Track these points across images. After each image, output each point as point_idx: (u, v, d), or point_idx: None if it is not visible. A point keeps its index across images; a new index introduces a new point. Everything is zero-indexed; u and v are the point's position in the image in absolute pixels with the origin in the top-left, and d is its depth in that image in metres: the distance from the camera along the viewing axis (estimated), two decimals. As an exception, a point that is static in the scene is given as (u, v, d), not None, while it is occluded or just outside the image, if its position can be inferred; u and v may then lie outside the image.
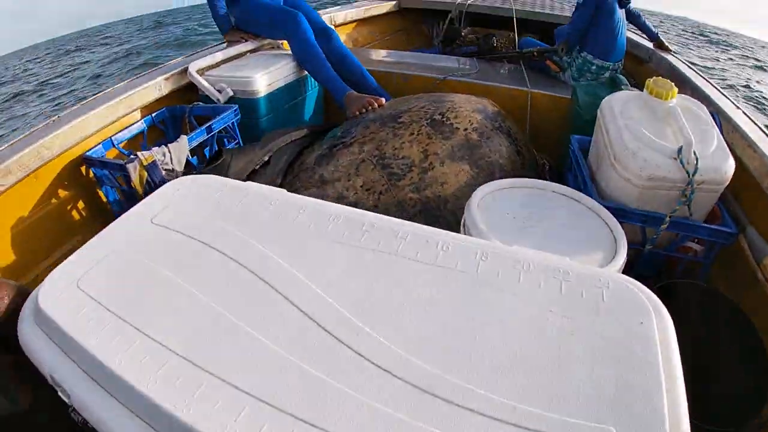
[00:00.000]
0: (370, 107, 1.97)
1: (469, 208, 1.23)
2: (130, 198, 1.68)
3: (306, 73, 2.29)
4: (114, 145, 1.86)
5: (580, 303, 0.72)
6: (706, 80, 2.17)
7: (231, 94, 2.03)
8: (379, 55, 2.91)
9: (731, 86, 8.88)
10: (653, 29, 2.72)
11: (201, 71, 2.18)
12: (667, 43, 2.64)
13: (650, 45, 2.71)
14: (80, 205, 1.86)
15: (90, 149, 1.78)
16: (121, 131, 1.91)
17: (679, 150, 1.25)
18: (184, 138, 1.65)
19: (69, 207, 1.84)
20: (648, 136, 1.30)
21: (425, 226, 0.91)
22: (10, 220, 1.64)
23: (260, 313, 0.77)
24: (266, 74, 2.08)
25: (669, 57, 2.53)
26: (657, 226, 1.30)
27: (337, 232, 0.91)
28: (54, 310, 0.83)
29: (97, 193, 1.86)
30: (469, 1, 3.85)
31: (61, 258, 1.66)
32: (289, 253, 0.88)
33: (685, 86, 2.14)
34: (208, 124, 1.76)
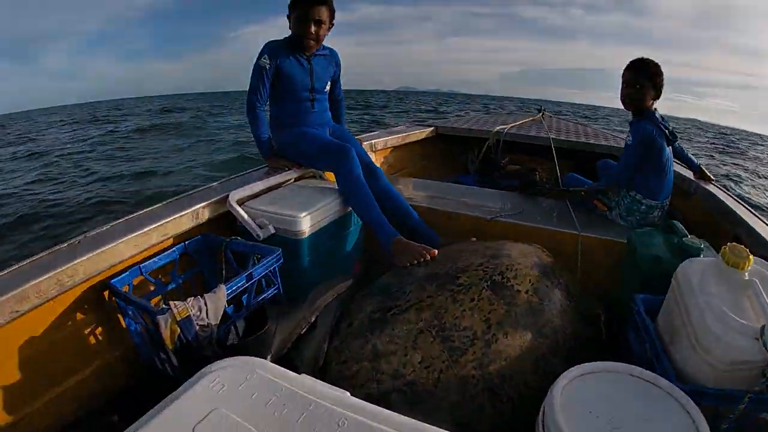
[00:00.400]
0: (422, 259, 1.86)
1: (550, 409, 1.10)
2: (154, 337, 1.54)
3: (350, 208, 2.20)
4: (142, 273, 1.75)
5: None
6: (757, 216, 2.16)
7: (272, 231, 1.93)
8: (419, 186, 2.85)
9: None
10: (695, 160, 2.73)
11: (241, 201, 2.09)
12: (708, 173, 2.65)
13: (692, 176, 2.70)
14: (98, 331, 1.73)
15: (115, 276, 1.67)
16: (151, 258, 1.80)
17: (762, 330, 1.15)
18: (222, 289, 1.52)
19: (87, 333, 1.71)
20: (730, 317, 1.19)
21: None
22: (23, 346, 1.52)
23: None
24: (312, 213, 1.98)
25: (712, 188, 2.53)
26: (735, 405, 1.17)
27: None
28: None
29: (118, 318, 1.73)
30: (506, 130, 3.87)
31: (74, 387, 1.60)
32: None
33: (740, 226, 2.12)
34: (248, 272, 1.63)
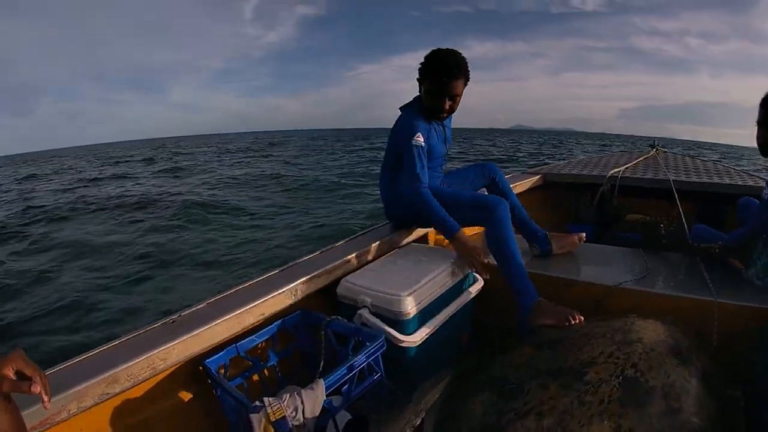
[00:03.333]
0: (567, 324, 1.86)
1: None
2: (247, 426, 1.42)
3: (458, 280, 2.07)
4: (238, 352, 1.69)
5: None
6: None
7: (378, 325, 1.80)
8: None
9: None
10: None
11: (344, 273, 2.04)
12: None
13: None
14: (191, 408, 1.68)
15: (210, 355, 1.63)
16: (247, 336, 1.75)
17: None
18: (320, 384, 1.40)
19: (179, 410, 1.66)
20: None
21: None
22: (113, 426, 1.49)
23: None
24: (417, 291, 1.85)
25: None
26: None
27: None
28: None
29: (212, 394, 1.63)
30: (620, 173, 3.60)
31: None
32: None
33: None
34: (349, 363, 1.50)
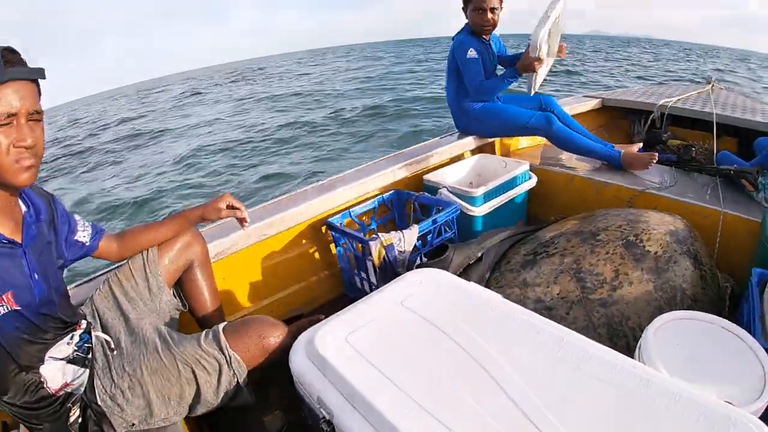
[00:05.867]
0: (652, 161, 2.66)
1: (646, 336, 1.42)
2: (359, 261, 2.16)
3: (518, 174, 2.62)
4: (351, 216, 2.35)
5: (709, 436, 0.92)
6: None
7: (454, 199, 2.38)
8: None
9: None
10: None
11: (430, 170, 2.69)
12: None
13: None
14: (316, 255, 2.40)
15: (332, 216, 2.30)
16: (357, 205, 2.41)
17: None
18: (415, 227, 2.06)
19: (308, 255, 2.38)
20: None
21: (608, 351, 1.17)
22: (265, 259, 2.23)
23: (477, 391, 1.09)
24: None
25: None
26: None
27: (541, 342, 1.21)
28: (328, 352, 1.24)
29: (330, 248, 2.38)
30: (671, 103, 3.93)
31: (292, 294, 2.35)
32: (503, 351, 1.19)
33: None
34: (434, 217, 2.17)
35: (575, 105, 3.99)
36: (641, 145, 3.10)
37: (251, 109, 15.79)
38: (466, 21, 2.95)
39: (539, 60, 2.60)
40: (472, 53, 2.82)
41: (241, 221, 1.70)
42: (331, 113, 12.45)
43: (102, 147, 13.42)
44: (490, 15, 2.83)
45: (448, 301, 1.38)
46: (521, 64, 2.66)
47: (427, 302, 1.38)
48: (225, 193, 1.67)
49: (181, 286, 1.72)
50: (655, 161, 2.70)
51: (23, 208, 1.24)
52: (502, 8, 2.90)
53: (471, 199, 2.37)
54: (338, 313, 1.41)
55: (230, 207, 1.65)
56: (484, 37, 2.96)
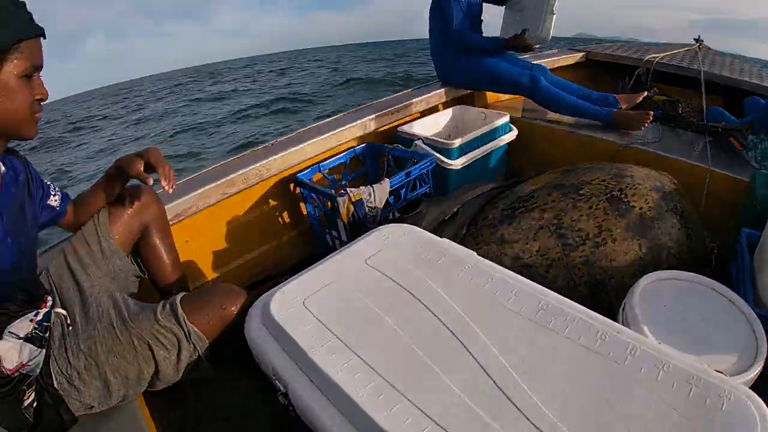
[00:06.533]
0: (647, 120, 2.55)
1: (631, 297, 1.35)
2: (329, 218, 2.02)
3: (497, 125, 2.51)
4: (320, 171, 2.21)
5: (701, 409, 0.84)
6: None
7: (429, 152, 2.25)
8: None
9: None
10: None
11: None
12: None
13: None
14: (284, 214, 2.26)
15: (301, 171, 2.14)
16: (328, 159, 2.26)
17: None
18: (386, 181, 1.93)
19: (275, 214, 2.24)
20: None
21: (591, 314, 1.07)
22: (229, 221, 2.08)
23: (444, 355, 0.99)
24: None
25: None
26: None
27: (517, 304, 1.10)
28: (283, 318, 1.12)
29: (300, 206, 2.25)
30: (657, 59, 3.84)
31: (259, 255, 2.18)
32: (474, 312, 1.09)
33: None
34: (407, 170, 2.04)
35: (559, 58, 3.89)
36: (645, 94, 3.00)
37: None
38: None
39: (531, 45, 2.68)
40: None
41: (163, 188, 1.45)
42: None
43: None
44: None
45: (418, 259, 1.27)
46: (511, 43, 2.65)
47: (395, 260, 1.26)
48: (150, 148, 1.49)
49: (139, 252, 1.61)
50: (650, 120, 2.60)
51: (2, 168, 1.17)
52: None
53: (447, 152, 2.25)
54: (297, 274, 1.29)
55: (148, 166, 1.41)
56: None
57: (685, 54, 4.19)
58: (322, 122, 2.45)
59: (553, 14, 2.75)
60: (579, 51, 4.12)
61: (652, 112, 2.60)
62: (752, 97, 2.72)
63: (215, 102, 16.71)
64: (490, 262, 1.25)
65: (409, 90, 2.89)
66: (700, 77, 3.24)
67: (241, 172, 1.99)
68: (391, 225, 1.42)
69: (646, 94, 2.94)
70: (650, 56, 3.83)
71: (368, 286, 1.19)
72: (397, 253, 1.29)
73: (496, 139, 2.48)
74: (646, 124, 2.59)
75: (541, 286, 1.16)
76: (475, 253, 1.29)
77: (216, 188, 1.92)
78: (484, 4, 2.97)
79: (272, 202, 2.23)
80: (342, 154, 2.33)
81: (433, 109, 2.82)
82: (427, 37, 2.94)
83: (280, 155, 2.10)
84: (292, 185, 2.21)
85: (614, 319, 1.17)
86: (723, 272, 1.81)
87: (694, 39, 4.68)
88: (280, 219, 2.28)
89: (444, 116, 2.76)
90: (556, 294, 1.14)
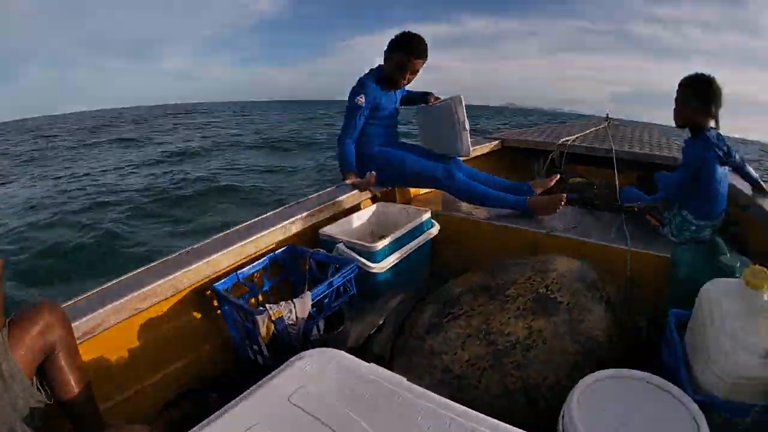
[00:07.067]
0: (561, 204, 2.60)
1: (569, 406, 1.29)
2: (249, 333, 1.90)
3: (419, 221, 2.48)
4: (239, 279, 2.09)
5: None
6: None
7: (353, 257, 2.18)
8: None
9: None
10: (754, 174, 2.70)
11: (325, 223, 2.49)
12: (765, 187, 2.64)
13: (748, 190, 2.69)
14: (201, 325, 2.10)
15: (218, 280, 2.03)
16: (246, 265, 2.15)
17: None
18: (308, 295, 1.84)
19: (192, 327, 2.08)
20: (741, 335, 1.33)
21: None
22: (141, 337, 1.91)
23: None
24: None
25: None
26: (743, 416, 1.34)
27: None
28: None
29: (218, 315, 2.08)
30: (570, 141, 3.97)
31: (180, 368, 2.02)
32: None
33: None
34: (329, 280, 1.95)
35: (475, 147, 3.95)
36: (558, 177, 3.05)
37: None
38: (380, 64, 2.87)
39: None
40: (360, 100, 2.74)
41: None
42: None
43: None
44: (409, 76, 2.80)
45: (343, 393, 1.17)
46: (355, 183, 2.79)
47: (320, 395, 1.16)
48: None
49: (44, 374, 1.44)
50: (563, 203, 2.64)
51: None
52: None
53: (370, 255, 2.19)
54: (210, 419, 1.16)
55: None
56: (395, 89, 2.91)
57: (596, 132, 4.37)
58: (240, 226, 2.35)
59: (466, 130, 2.80)
60: (494, 139, 4.23)
61: (565, 195, 2.65)
62: (660, 172, 2.80)
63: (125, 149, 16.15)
64: (421, 389, 1.17)
65: (331, 188, 2.85)
66: (612, 155, 3.38)
67: (154, 285, 1.85)
68: (314, 352, 1.32)
69: (558, 177, 3.01)
70: (563, 139, 3.97)
71: (292, 429, 1.09)
72: (321, 387, 1.19)
73: (419, 236, 2.45)
74: (560, 207, 2.63)
75: (477, 414, 1.08)
76: (405, 380, 1.20)
77: (128, 302, 1.77)
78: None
79: (190, 314, 2.08)
80: (261, 260, 2.22)
81: (354, 208, 2.77)
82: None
83: (194, 266, 1.97)
84: (209, 293, 2.08)
85: (552, 423, 1.18)
86: (656, 356, 1.80)
87: (603, 118, 4.92)
88: (199, 329, 2.12)
89: (366, 214, 2.72)
90: (492, 421, 1.06)
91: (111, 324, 1.74)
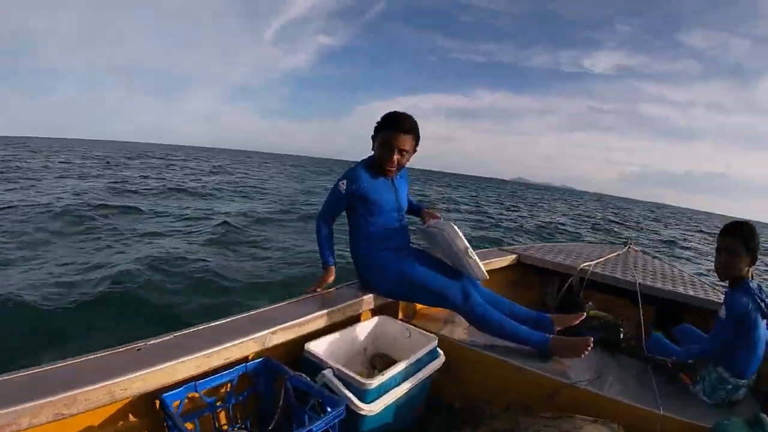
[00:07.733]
0: (587, 349, 2.29)
1: None
2: None
3: (424, 352, 2.11)
4: (197, 390, 1.68)
5: None
6: None
7: (341, 392, 1.81)
8: None
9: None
10: None
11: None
12: None
13: None
14: None
15: (170, 390, 1.61)
16: (208, 375, 1.74)
17: None
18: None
19: None
20: None
21: None
22: None
23: None
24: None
25: None
26: None
27: None
28: None
29: (164, 428, 1.63)
30: (591, 268, 3.67)
31: None
32: None
33: None
34: (308, 428, 1.51)
35: (492, 260, 3.68)
36: (583, 315, 2.73)
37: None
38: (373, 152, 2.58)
39: None
40: (342, 186, 2.46)
41: None
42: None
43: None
44: (396, 156, 2.46)
45: None
46: (323, 282, 2.54)
47: None
48: None
49: None
50: (590, 348, 2.33)
51: None
52: (415, 152, 2.56)
53: (362, 392, 1.79)
54: None
55: None
56: (388, 176, 2.58)
57: (616, 257, 4.18)
58: (210, 324, 1.93)
59: (471, 258, 2.47)
60: (511, 253, 3.98)
61: (591, 339, 2.34)
62: (684, 325, 2.76)
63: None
64: None
65: (330, 289, 2.49)
66: (636, 289, 3.21)
67: (84, 389, 1.41)
68: None
69: (584, 316, 2.70)
70: (584, 264, 3.73)
71: None
72: None
73: (421, 370, 2.08)
74: (586, 353, 2.31)
75: None
76: None
77: (49, 405, 1.34)
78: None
79: (126, 427, 1.63)
80: (228, 371, 1.80)
81: (352, 319, 2.38)
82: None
83: (144, 372, 1.54)
84: (157, 403, 1.62)
85: None
86: None
87: (623, 243, 4.75)
88: None
89: (363, 329, 2.33)
90: None
91: (23, 427, 1.31)
